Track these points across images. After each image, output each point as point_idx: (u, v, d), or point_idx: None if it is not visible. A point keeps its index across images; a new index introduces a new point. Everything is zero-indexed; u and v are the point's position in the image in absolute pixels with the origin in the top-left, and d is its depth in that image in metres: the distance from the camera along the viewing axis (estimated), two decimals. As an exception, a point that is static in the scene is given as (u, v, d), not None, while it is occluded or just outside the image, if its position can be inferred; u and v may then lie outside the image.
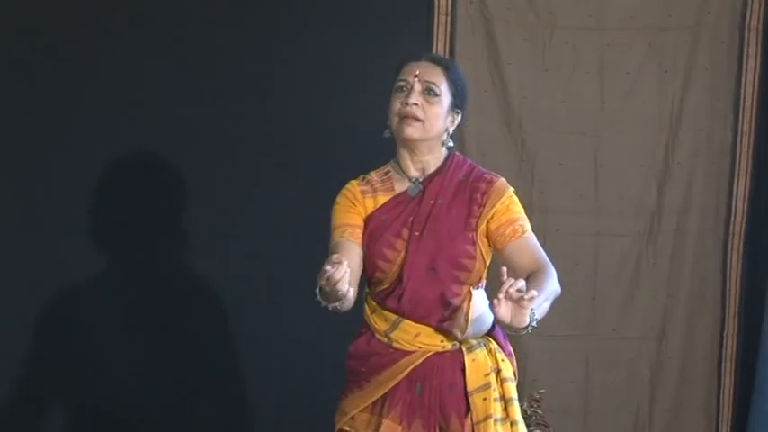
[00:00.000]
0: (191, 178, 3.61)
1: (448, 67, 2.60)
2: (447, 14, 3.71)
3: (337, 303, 2.31)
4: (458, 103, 2.58)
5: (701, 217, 3.92)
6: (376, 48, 3.64)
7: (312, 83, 3.64)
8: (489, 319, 2.59)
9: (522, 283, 2.21)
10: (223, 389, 3.75)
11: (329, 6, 3.65)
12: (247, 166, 3.65)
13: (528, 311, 2.23)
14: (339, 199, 2.61)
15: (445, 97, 2.54)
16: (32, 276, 3.59)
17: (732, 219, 3.92)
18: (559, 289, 2.45)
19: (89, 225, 3.60)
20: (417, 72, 2.52)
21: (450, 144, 2.60)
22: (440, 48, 3.71)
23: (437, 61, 2.61)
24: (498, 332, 2.63)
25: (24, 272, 3.59)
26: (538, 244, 2.55)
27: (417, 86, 2.51)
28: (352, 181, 2.63)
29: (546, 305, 2.36)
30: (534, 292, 2.21)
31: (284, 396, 3.75)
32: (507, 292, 2.20)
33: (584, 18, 3.78)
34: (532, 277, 2.40)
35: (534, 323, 2.28)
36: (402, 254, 2.49)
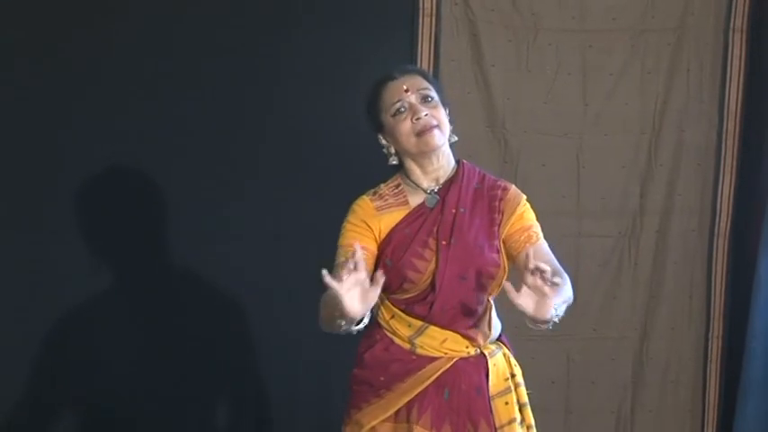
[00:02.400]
0: (190, 178, 3.62)
1: (421, 71, 2.64)
2: (431, 16, 3.71)
3: (355, 321, 2.28)
4: (443, 100, 2.59)
5: (685, 218, 3.91)
6: (360, 50, 3.65)
7: (298, 85, 3.65)
8: (499, 326, 2.67)
9: (548, 268, 2.21)
10: (223, 389, 3.77)
11: (312, 9, 3.66)
12: (247, 167, 3.66)
13: (552, 302, 2.23)
14: (350, 217, 2.58)
15: (438, 100, 2.55)
16: (32, 276, 3.60)
17: (717, 220, 3.92)
18: (572, 296, 2.46)
19: (89, 225, 3.62)
20: (405, 87, 2.52)
21: (455, 139, 2.61)
22: (424, 49, 3.72)
23: (411, 71, 2.61)
24: (505, 339, 2.70)
25: (24, 272, 3.60)
26: (550, 251, 2.58)
27: (414, 99, 2.51)
28: (364, 197, 2.61)
29: (563, 308, 2.36)
30: (559, 279, 2.22)
31: (286, 397, 3.76)
32: (534, 271, 2.20)
33: (567, 20, 3.78)
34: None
35: (556, 318, 2.30)
36: (432, 263, 2.49)
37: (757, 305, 3.75)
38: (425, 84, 2.56)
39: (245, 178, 3.67)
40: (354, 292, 2.19)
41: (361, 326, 2.33)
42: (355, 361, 2.64)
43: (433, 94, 2.55)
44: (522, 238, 2.55)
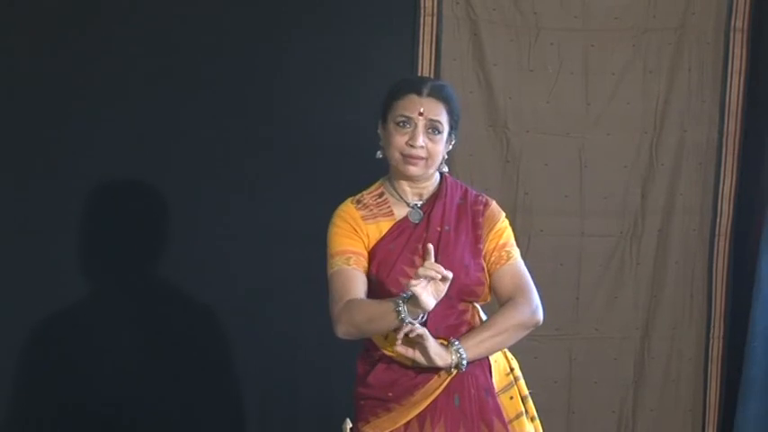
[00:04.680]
0: (190, 178, 3.61)
1: (449, 99, 2.56)
2: (432, 15, 3.70)
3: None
4: (453, 131, 2.57)
5: (686, 218, 3.91)
6: (361, 49, 3.65)
7: (300, 84, 3.64)
8: None
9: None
10: (223, 390, 3.75)
11: (313, 8, 3.64)
12: (246, 167, 3.65)
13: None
14: (339, 222, 2.56)
15: (446, 131, 2.53)
16: (32, 276, 3.58)
17: (718, 220, 3.92)
18: (529, 319, 2.53)
19: (88, 226, 3.60)
20: (422, 110, 2.49)
21: (445, 170, 2.60)
22: (425, 48, 3.71)
23: (439, 96, 2.54)
24: None
25: (24, 272, 3.58)
26: (523, 270, 2.59)
27: (422, 126, 2.49)
28: (348, 203, 2.59)
29: (491, 343, 2.49)
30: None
31: (286, 397, 3.75)
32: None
33: (569, 19, 3.77)
34: (493, 315, 2.55)
35: (464, 362, 2.42)
36: None
37: (758, 305, 3.75)
38: (443, 114, 2.52)
39: (244, 179, 3.66)
40: (429, 289, 2.24)
41: (422, 319, 2.36)
42: (356, 381, 2.63)
43: (443, 127, 2.51)
44: (494, 258, 2.57)
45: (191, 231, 3.63)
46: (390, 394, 2.51)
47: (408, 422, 2.52)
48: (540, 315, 2.55)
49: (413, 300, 2.24)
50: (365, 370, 2.58)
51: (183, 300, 3.68)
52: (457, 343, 2.45)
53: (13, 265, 3.56)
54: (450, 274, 2.23)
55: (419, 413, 2.51)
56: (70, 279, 3.58)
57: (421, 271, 2.20)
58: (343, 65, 3.66)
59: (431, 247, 2.26)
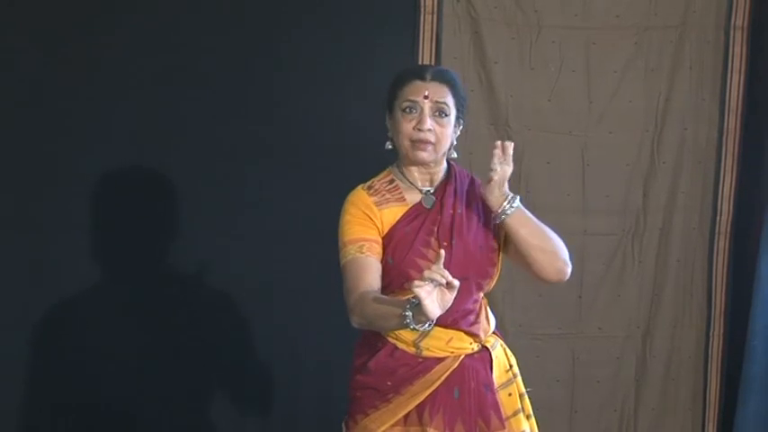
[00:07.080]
0: (191, 178, 3.60)
1: (453, 82, 2.58)
2: (433, 13, 3.70)
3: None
4: (461, 115, 2.59)
5: (687, 216, 3.92)
6: (361, 47, 3.64)
7: (300, 83, 3.63)
8: (493, 318, 2.68)
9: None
10: (223, 389, 3.75)
11: (314, 6, 3.64)
12: (247, 167, 3.64)
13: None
14: (351, 209, 2.55)
15: (452, 114, 2.55)
16: (32, 276, 3.58)
17: (718, 218, 3.93)
18: (566, 259, 2.57)
19: (89, 225, 3.59)
20: (427, 93, 2.50)
21: (455, 155, 2.62)
22: (426, 47, 3.71)
23: (443, 79, 2.56)
24: (497, 331, 2.70)
25: (24, 272, 3.57)
26: None
27: (428, 109, 2.50)
28: (359, 190, 2.59)
29: (536, 229, 2.54)
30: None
31: (286, 396, 3.75)
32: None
33: (570, 17, 3.77)
34: None
35: (510, 210, 2.47)
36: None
37: (758, 303, 3.76)
38: (448, 96, 2.54)
39: (245, 178, 3.65)
40: (434, 295, 2.16)
41: (428, 327, 2.26)
42: (354, 369, 2.63)
43: (451, 108, 2.53)
44: None
45: (191, 231, 3.63)
46: (389, 383, 2.52)
47: (408, 414, 2.52)
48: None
49: (419, 306, 2.17)
50: (364, 358, 2.59)
51: (184, 300, 3.67)
52: (516, 197, 2.50)
53: (13, 264, 3.55)
54: (456, 283, 2.16)
55: (419, 404, 2.51)
56: (70, 279, 3.57)
57: (426, 273, 2.16)
58: (344, 64, 3.65)
59: (442, 252, 2.21)
